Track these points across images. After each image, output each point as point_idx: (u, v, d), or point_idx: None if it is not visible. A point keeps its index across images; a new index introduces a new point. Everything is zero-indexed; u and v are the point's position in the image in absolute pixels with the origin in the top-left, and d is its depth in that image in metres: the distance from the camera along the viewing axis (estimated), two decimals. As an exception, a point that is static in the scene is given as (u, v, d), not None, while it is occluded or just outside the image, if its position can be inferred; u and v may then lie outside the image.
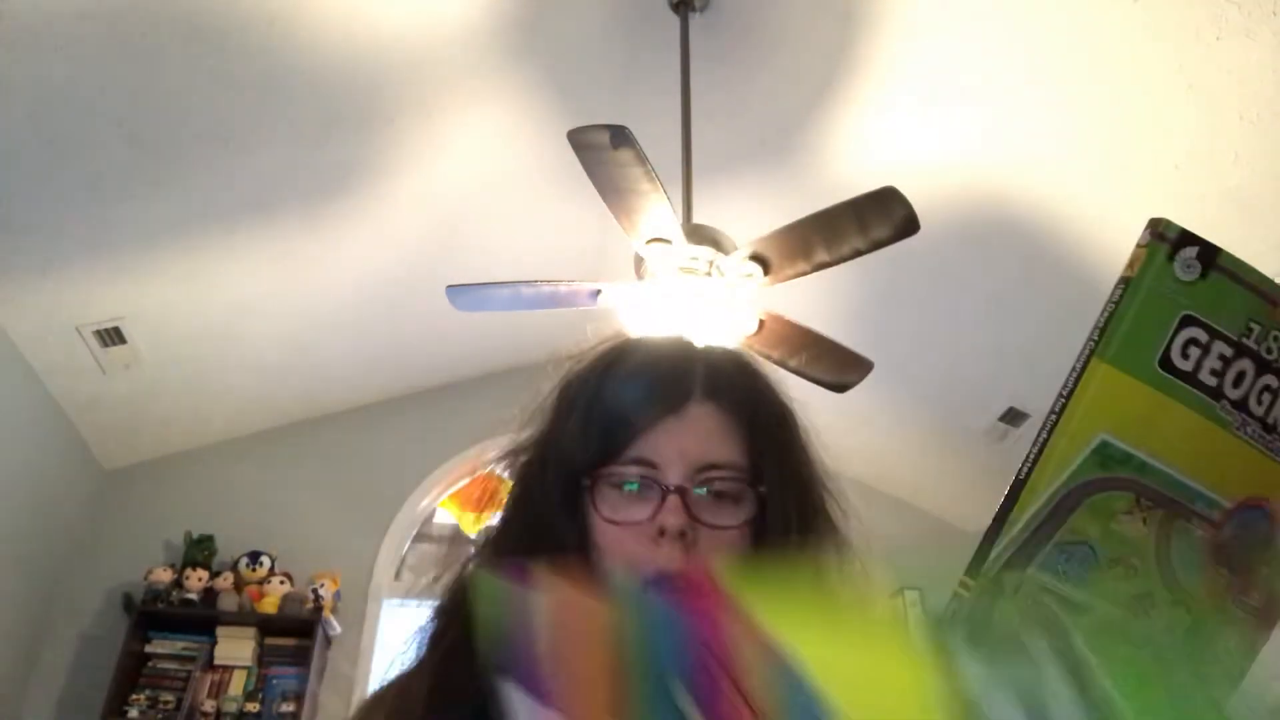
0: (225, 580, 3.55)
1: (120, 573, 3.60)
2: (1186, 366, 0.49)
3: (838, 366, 2.50)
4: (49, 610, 3.49)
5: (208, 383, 3.65)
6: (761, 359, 0.80)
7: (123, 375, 3.40)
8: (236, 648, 3.44)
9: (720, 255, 2.23)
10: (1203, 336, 0.49)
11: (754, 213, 2.83)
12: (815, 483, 0.75)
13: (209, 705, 3.33)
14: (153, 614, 3.43)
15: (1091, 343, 0.50)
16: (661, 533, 0.66)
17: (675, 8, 2.59)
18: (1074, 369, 0.50)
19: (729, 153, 2.98)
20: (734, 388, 0.73)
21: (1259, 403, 0.50)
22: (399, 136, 2.86)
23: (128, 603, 3.49)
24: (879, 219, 2.01)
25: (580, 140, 1.91)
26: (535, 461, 0.74)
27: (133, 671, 3.34)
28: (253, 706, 3.35)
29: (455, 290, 2.42)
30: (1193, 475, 0.50)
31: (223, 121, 2.64)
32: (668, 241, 2.14)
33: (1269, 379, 0.50)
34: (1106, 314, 0.50)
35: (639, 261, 2.27)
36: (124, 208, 2.79)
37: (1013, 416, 3.65)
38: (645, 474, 0.68)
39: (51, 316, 3.08)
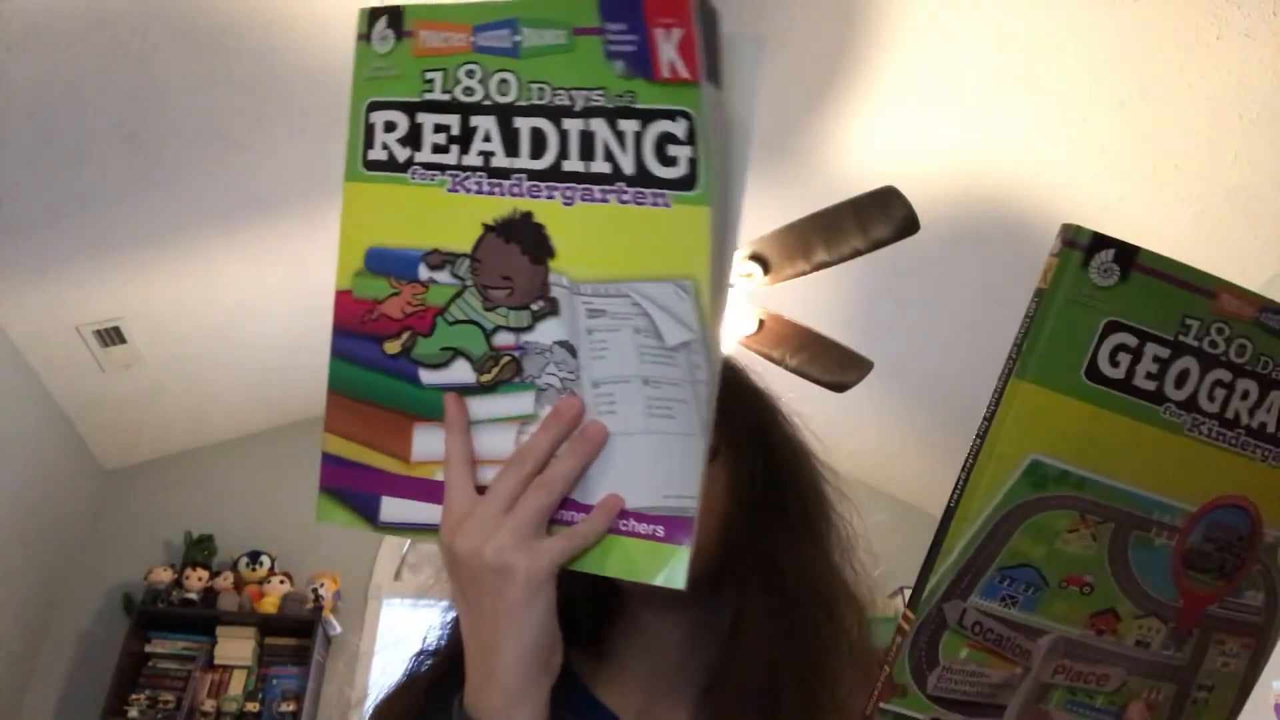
0: (225, 580, 3.55)
1: (120, 573, 3.60)
2: (1117, 374, 0.48)
3: (837, 366, 2.50)
4: (49, 610, 3.49)
5: (208, 383, 3.65)
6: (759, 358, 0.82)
7: (123, 375, 3.40)
8: (236, 647, 3.45)
9: (720, 255, 2.23)
10: (1131, 341, 0.48)
11: (754, 212, 2.83)
12: (799, 467, 0.79)
13: (209, 705, 3.34)
14: (153, 614, 3.43)
15: (1010, 361, 0.50)
16: None
17: (675, 7, 2.59)
18: (995, 390, 0.50)
19: (729, 152, 2.98)
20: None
21: (1210, 399, 0.48)
22: (399, 136, 2.86)
23: (128, 603, 3.49)
24: (879, 219, 2.01)
25: (580, 140, 1.91)
26: None
27: (133, 671, 3.34)
28: (253, 706, 3.35)
29: (455, 290, 2.41)
30: (1141, 484, 0.48)
31: (223, 121, 2.64)
32: (668, 241, 2.14)
33: (1219, 373, 0.48)
34: (1023, 330, 0.50)
35: (639, 261, 2.27)
36: (124, 208, 2.79)
37: (1013, 416, 3.64)
38: None
39: (51, 316, 3.08)
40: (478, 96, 0.52)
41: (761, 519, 0.72)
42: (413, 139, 0.55)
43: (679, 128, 0.50)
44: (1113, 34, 2.35)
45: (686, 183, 0.50)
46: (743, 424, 0.75)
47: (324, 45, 2.50)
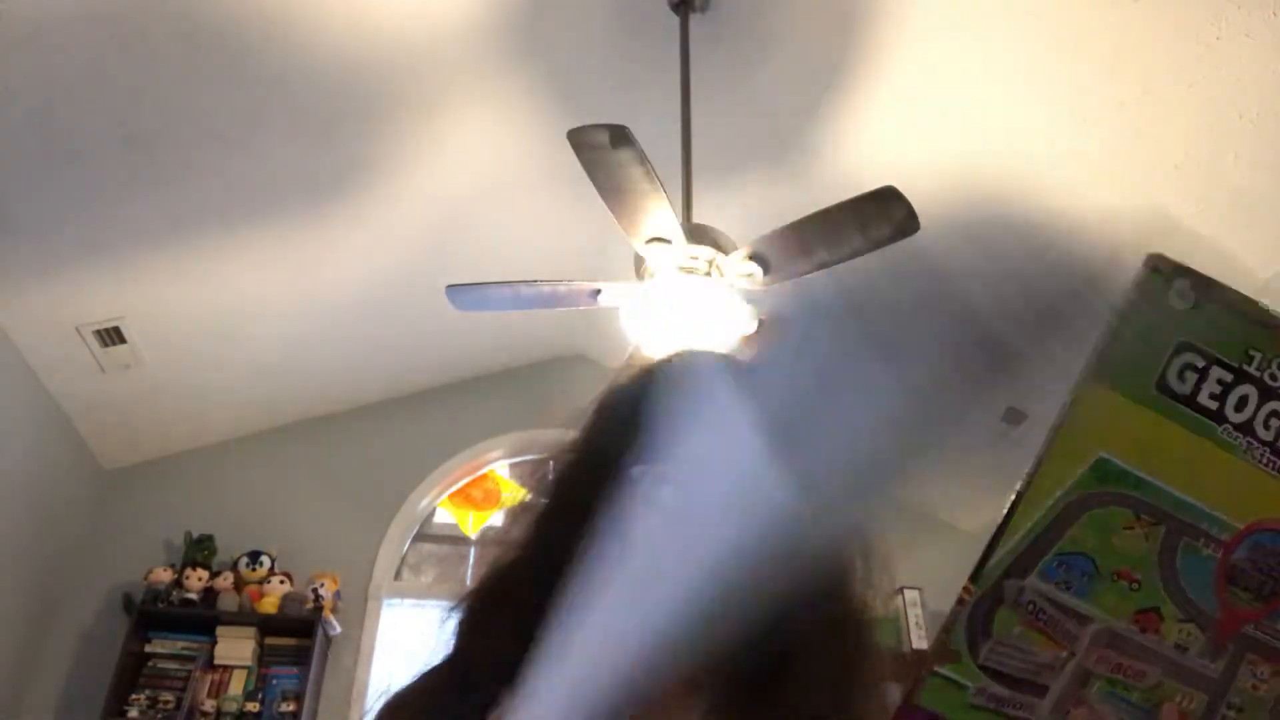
0: (225, 580, 3.55)
1: (120, 573, 3.60)
2: (1184, 390, 0.51)
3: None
4: (49, 610, 3.49)
5: (208, 383, 3.65)
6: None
7: (123, 375, 3.40)
8: (236, 647, 3.44)
9: (720, 255, 2.23)
10: (1199, 362, 0.51)
11: (754, 213, 2.83)
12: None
13: (209, 705, 3.33)
14: (153, 614, 3.43)
15: (1088, 365, 0.53)
16: None
17: (675, 8, 2.59)
18: (1070, 390, 0.53)
19: (729, 153, 2.98)
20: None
21: (1266, 428, 0.51)
22: (399, 136, 2.86)
23: (128, 603, 3.49)
24: (879, 218, 2.01)
25: (580, 140, 1.91)
26: (592, 463, 0.76)
27: (133, 671, 3.34)
28: (253, 706, 3.35)
29: (455, 290, 2.42)
30: (1194, 495, 0.51)
31: (222, 121, 2.64)
32: (668, 241, 2.14)
33: (1276, 405, 0.51)
34: (1103, 339, 0.53)
35: (639, 261, 2.27)
36: (124, 207, 2.79)
37: (1012, 416, 3.64)
38: None
39: (51, 316, 3.08)
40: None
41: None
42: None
43: None
44: (1113, 34, 2.35)
45: None
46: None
47: (324, 45, 2.50)
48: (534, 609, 0.70)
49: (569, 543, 0.71)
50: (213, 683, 3.39)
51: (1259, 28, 2.22)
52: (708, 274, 2.22)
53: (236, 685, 3.40)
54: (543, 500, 0.78)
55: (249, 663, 3.43)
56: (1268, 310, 0.52)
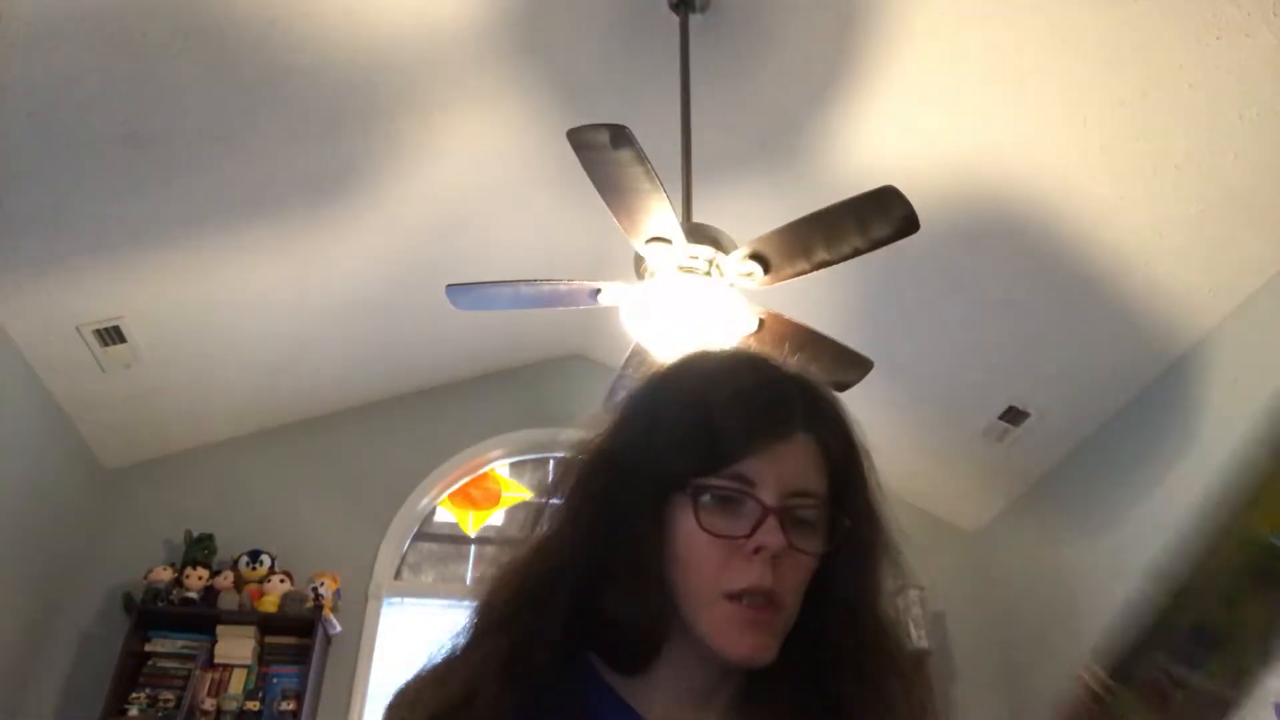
0: (225, 579, 3.55)
1: (120, 572, 3.60)
2: None
3: (837, 365, 2.50)
4: (49, 610, 3.49)
5: (208, 382, 3.65)
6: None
7: (123, 375, 3.40)
8: (236, 646, 3.44)
9: (720, 254, 2.23)
10: None
11: (754, 212, 2.83)
12: (886, 519, 0.79)
13: (209, 704, 3.33)
14: (153, 613, 3.42)
15: (1263, 454, 0.54)
16: (757, 550, 0.69)
17: (675, 8, 2.59)
18: (1242, 474, 0.55)
19: (729, 152, 2.98)
20: (829, 422, 0.78)
21: None
22: (399, 136, 2.86)
23: (128, 602, 3.49)
24: (879, 218, 2.01)
25: (580, 139, 1.91)
26: (622, 465, 0.75)
27: (133, 670, 3.33)
28: (253, 705, 3.35)
29: (455, 289, 2.42)
30: None
31: (222, 121, 2.64)
32: (668, 241, 2.14)
33: None
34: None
35: (639, 261, 2.27)
36: (124, 207, 2.79)
37: (1013, 415, 3.65)
38: (745, 490, 0.71)
39: (51, 316, 3.08)
40: None
41: (849, 565, 0.74)
42: None
43: None
44: (1113, 34, 2.35)
45: None
46: (854, 497, 0.77)
47: (324, 46, 2.50)
48: (568, 610, 0.71)
49: (607, 547, 0.72)
50: (213, 682, 3.39)
51: (1259, 28, 2.22)
52: (708, 273, 2.22)
53: (236, 684, 3.40)
54: (570, 502, 0.77)
55: (249, 662, 3.43)
56: None
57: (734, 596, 0.69)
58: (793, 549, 0.70)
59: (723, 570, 0.70)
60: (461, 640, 0.75)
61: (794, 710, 0.71)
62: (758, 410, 0.73)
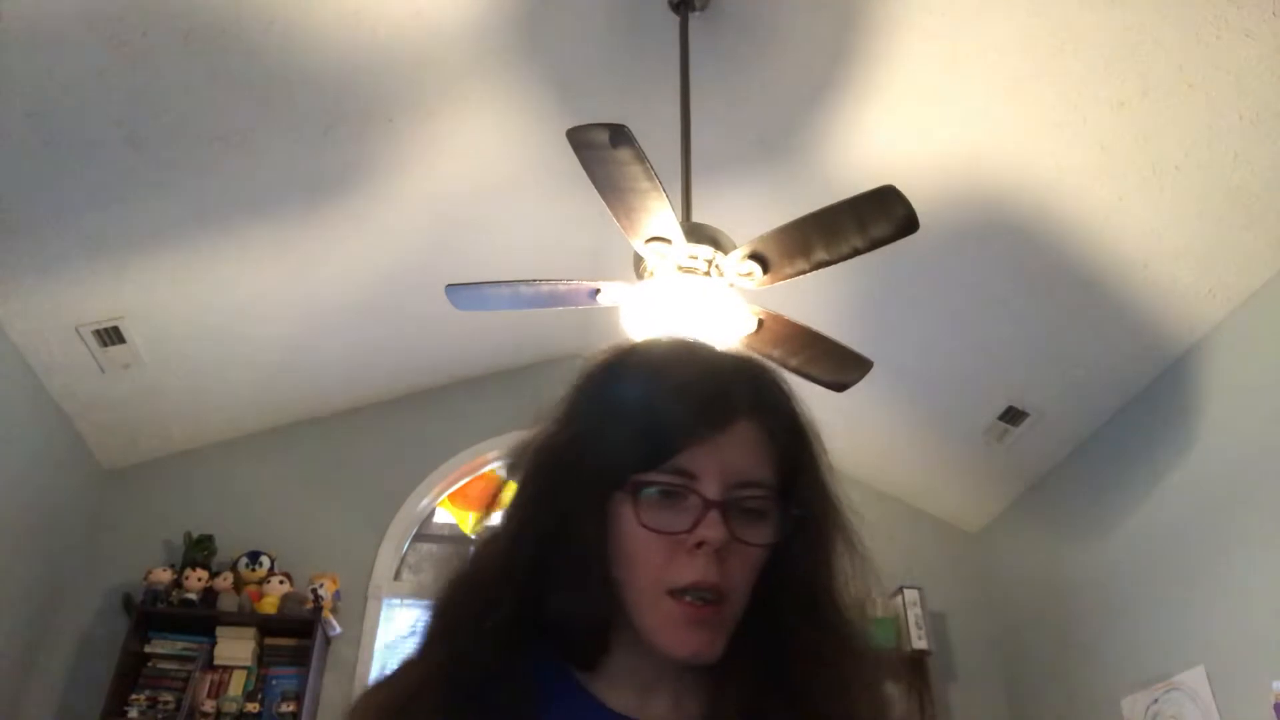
0: (225, 580, 3.55)
1: (120, 573, 3.60)
2: None
3: (837, 365, 2.50)
4: (49, 610, 3.49)
5: (208, 383, 3.65)
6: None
7: (123, 375, 3.40)
8: (236, 648, 3.44)
9: (720, 254, 2.23)
10: None
11: (754, 212, 2.83)
12: (839, 501, 0.77)
13: (209, 705, 3.33)
14: (152, 614, 3.42)
15: None
16: (699, 545, 0.68)
17: (675, 7, 2.59)
18: None
19: (729, 152, 2.98)
20: (774, 408, 0.75)
21: None
22: (399, 136, 2.86)
23: (127, 603, 3.49)
24: (878, 218, 2.00)
25: (580, 139, 1.91)
26: (564, 461, 0.74)
27: (132, 671, 3.33)
28: (253, 707, 3.35)
29: (455, 289, 2.42)
30: None
31: (222, 122, 2.64)
32: (667, 240, 2.14)
33: None
34: None
35: (638, 260, 2.27)
36: (124, 208, 2.79)
37: (1012, 415, 3.65)
38: (685, 485, 0.69)
39: (51, 316, 3.08)
40: None
41: (801, 553, 0.73)
42: None
43: None
44: (1113, 34, 2.35)
45: None
46: (805, 483, 0.75)
47: (323, 46, 2.50)
48: (516, 609, 0.70)
49: (551, 546, 0.72)
50: (213, 683, 3.39)
51: (1259, 28, 2.22)
52: (707, 273, 2.22)
53: (236, 685, 3.40)
54: (515, 501, 0.76)
55: (249, 663, 3.43)
56: None
57: (677, 593, 0.68)
58: (738, 542, 0.69)
59: (666, 567, 0.69)
60: (413, 645, 0.75)
61: (754, 698, 0.70)
62: (697, 401, 0.72)
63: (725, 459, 0.70)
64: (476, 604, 0.72)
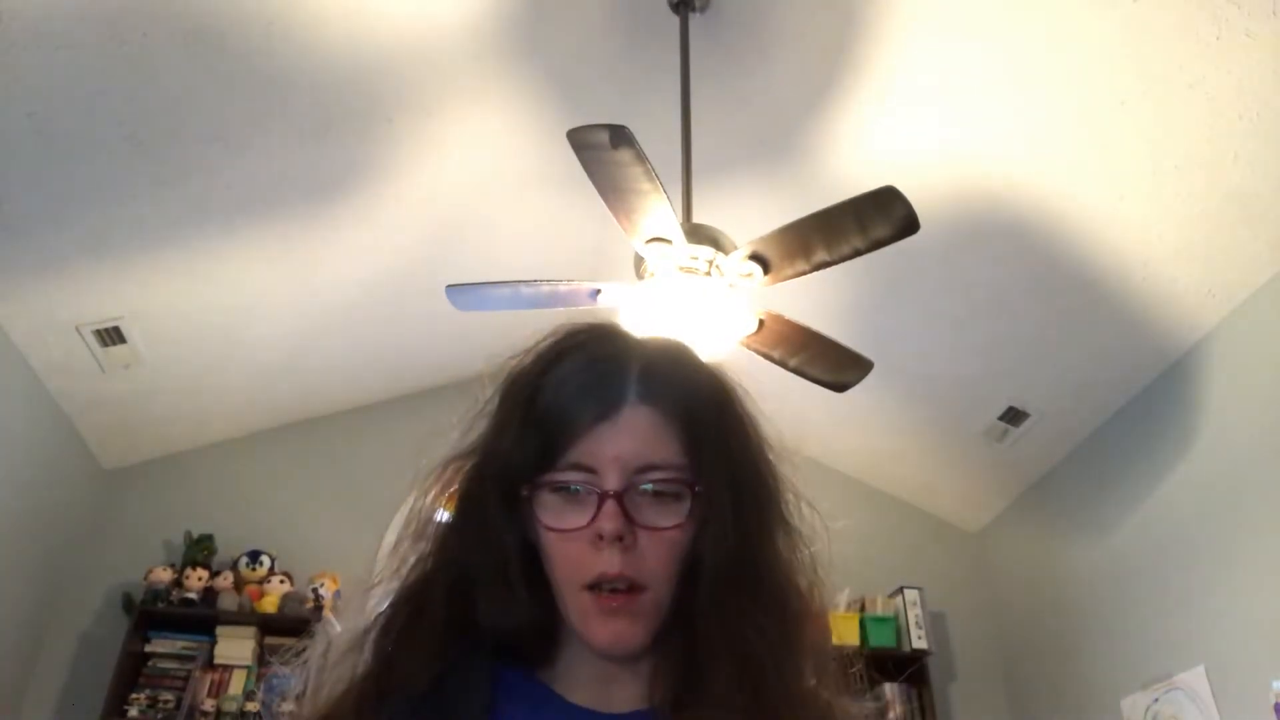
0: (225, 580, 3.55)
1: (120, 572, 3.60)
2: None
3: (837, 366, 2.50)
4: (49, 610, 3.49)
5: (208, 383, 3.65)
6: (697, 348, 0.81)
7: (123, 375, 3.40)
8: (236, 647, 3.44)
9: (720, 255, 2.23)
10: None
11: (754, 212, 2.83)
12: (760, 472, 0.75)
13: (209, 705, 3.33)
14: (152, 614, 3.43)
15: None
16: (600, 537, 0.68)
17: (675, 8, 2.59)
18: None
19: (729, 152, 2.98)
20: (669, 386, 0.74)
21: None
22: (399, 136, 2.86)
23: (128, 602, 3.49)
24: (879, 218, 2.00)
25: (580, 140, 1.91)
26: (475, 470, 0.75)
27: (132, 671, 3.33)
28: (253, 706, 3.35)
29: (455, 290, 2.42)
30: None
31: (222, 121, 2.64)
32: (668, 241, 2.14)
33: None
34: None
35: (639, 261, 2.27)
36: (124, 208, 2.79)
37: (1013, 416, 3.65)
38: (583, 479, 0.69)
39: (51, 316, 3.08)
40: None
41: (718, 529, 0.71)
42: None
43: None
44: (1113, 34, 2.35)
45: None
46: (715, 458, 0.72)
47: (323, 46, 2.50)
48: (445, 624, 0.71)
49: (473, 555, 0.72)
50: (213, 682, 3.39)
51: (1259, 28, 2.22)
52: (707, 274, 2.22)
53: (236, 685, 3.40)
54: (449, 512, 0.77)
55: (249, 662, 3.43)
56: None
57: (591, 587, 0.68)
58: (643, 528, 0.68)
59: (578, 563, 0.69)
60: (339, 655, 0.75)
61: (698, 683, 0.69)
62: (584, 392, 0.72)
63: (620, 446, 0.69)
64: (405, 618, 0.72)
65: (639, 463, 0.69)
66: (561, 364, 0.75)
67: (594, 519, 0.68)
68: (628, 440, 0.70)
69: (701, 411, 0.73)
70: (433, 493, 0.77)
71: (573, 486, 0.69)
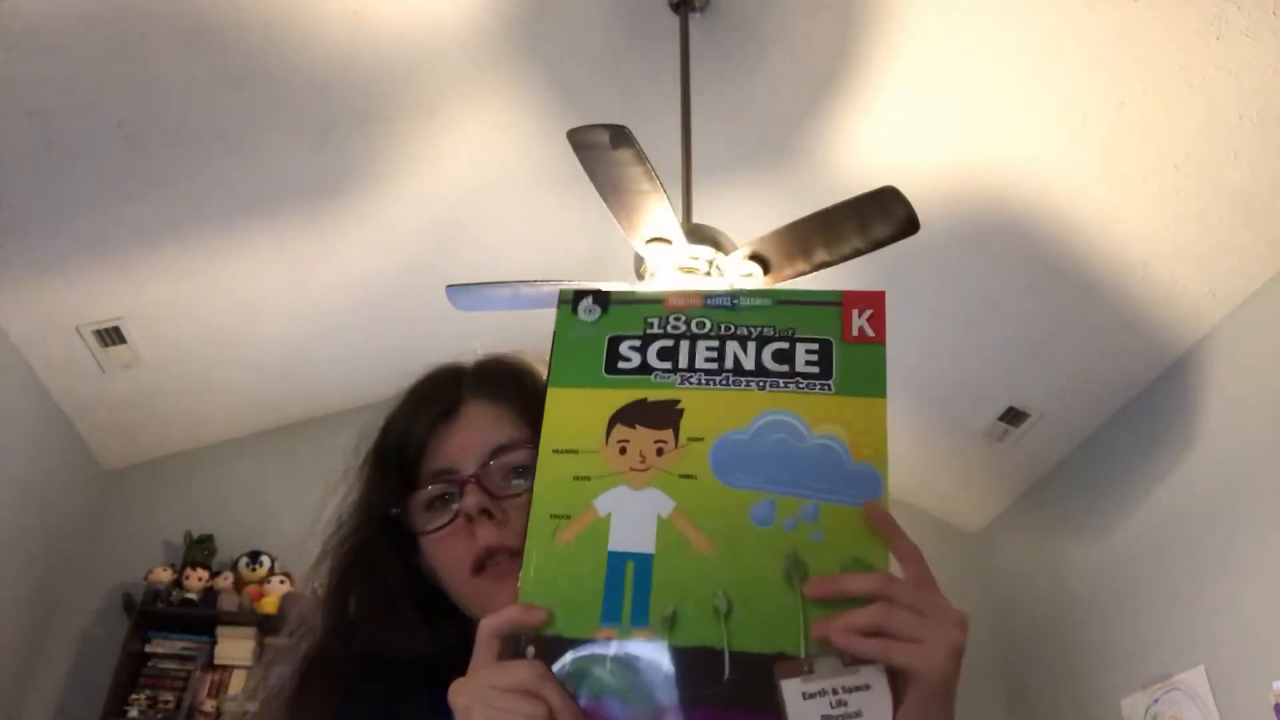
0: (225, 580, 3.55)
1: (120, 573, 3.60)
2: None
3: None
4: (49, 610, 3.49)
5: (208, 383, 3.65)
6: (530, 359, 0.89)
7: (123, 375, 3.40)
8: (236, 647, 3.45)
9: (720, 255, 2.23)
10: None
11: (754, 212, 2.83)
12: None
13: (209, 705, 3.34)
14: (153, 614, 3.43)
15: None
16: (469, 519, 0.73)
17: (675, 8, 2.59)
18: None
19: (729, 152, 2.98)
20: (502, 377, 0.81)
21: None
22: (399, 136, 2.86)
23: (128, 603, 3.49)
24: (879, 218, 2.01)
25: (580, 140, 1.91)
26: (352, 531, 0.80)
27: (133, 671, 3.34)
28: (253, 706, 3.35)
29: (455, 290, 2.42)
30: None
31: (222, 121, 2.64)
32: (668, 241, 2.14)
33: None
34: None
35: (639, 261, 2.27)
36: (124, 208, 2.79)
37: (1013, 416, 3.65)
38: (444, 484, 0.75)
39: (51, 316, 3.08)
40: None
41: None
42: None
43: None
44: (1113, 34, 2.35)
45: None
46: None
47: (323, 46, 2.50)
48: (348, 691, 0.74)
49: (361, 595, 0.77)
50: (213, 683, 3.39)
51: (1259, 28, 2.22)
52: (707, 274, 2.22)
53: (236, 685, 3.40)
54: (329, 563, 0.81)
55: (249, 663, 3.44)
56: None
57: (477, 570, 0.72)
58: (506, 498, 0.73)
59: (460, 553, 0.73)
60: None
61: None
62: (423, 402, 0.79)
63: (467, 438, 0.76)
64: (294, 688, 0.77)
65: (489, 446, 0.75)
66: (400, 401, 0.83)
67: (460, 506, 0.73)
68: (473, 431, 0.76)
69: (539, 392, 0.77)
70: (323, 569, 0.82)
71: (441, 495, 0.75)
